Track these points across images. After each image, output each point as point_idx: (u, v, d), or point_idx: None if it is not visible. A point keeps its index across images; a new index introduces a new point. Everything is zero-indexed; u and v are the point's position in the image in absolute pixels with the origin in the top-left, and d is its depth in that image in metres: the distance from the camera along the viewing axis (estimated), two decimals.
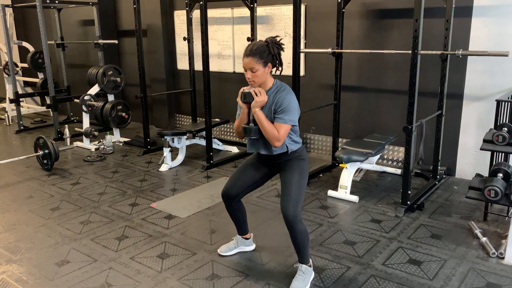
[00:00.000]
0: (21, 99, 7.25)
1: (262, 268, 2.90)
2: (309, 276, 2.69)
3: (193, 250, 3.14)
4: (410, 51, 3.52)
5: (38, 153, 5.02)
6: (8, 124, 7.57)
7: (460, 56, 3.78)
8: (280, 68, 2.59)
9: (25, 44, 7.92)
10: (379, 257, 2.99)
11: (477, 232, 3.23)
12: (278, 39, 2.54)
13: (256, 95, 2.50)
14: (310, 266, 2.70)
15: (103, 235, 3.42)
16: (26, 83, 8.66)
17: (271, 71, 2.57)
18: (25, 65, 7.91)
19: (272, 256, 3.04)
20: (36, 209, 3.95)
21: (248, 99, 2.54)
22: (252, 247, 3.12)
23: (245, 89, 2.56)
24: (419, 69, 3.52)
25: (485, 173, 3.34)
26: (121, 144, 6.14)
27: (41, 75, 7.73)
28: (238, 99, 2.60)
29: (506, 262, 2.88)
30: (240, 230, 3.04)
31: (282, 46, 2.55)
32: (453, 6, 3.94)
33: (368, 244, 3.18)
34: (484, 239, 3.12)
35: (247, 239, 3.08)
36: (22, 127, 7.08)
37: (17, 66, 7.87)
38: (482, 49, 4.10)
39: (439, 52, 3.93)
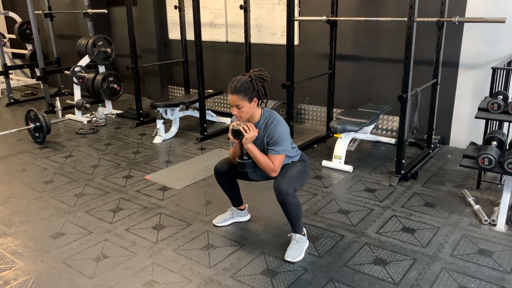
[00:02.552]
0: (10, 71, 7.10)
1: (257, 237, 2.92)
2: (303, 244, 2.71)
3: (188, 221, 3.15)
4: (406, 19, 3.45)
5: (30, 126, 4.96)
6: None
7: (457, 23, 3.72)
8: (265, 101, 2.61)
9: (11, 14, 7.70)
10: (373, 226, 3.02)
11: (470, 200, 3.25)
12: (261, 73, 2.56)
13: (246, 132, 2.53)
14: (304, 235, 2.73)
15: (97, 207, 3.42)
16: (15, 55, 8.48)
17: (259, 104, 2.60)
18: (13, 36, 7.73)
19: (267, 226, 3.06)
20: (29, 182, 3.93)
21: (238, 136, 2.57)
22: (247, 217, 3.14)
23: (234, 124, 2.58)
24: (415, 37, 3.47)
25: (480, 142, 3.34)
26: (113, 116, 6.08)
27: (29, 47, 7.56)
28: (230, 135, 2.63)
29: (498, 229, 2.91)
30: (234, 202, 3.05)
31: (267, 79, 2.57)
32: None
33: (362, 213, 3.20)
34: (476, 206, 3.15)
35: (242, 210, 3.09)
36: (12, 100, 6.97)
37: (4, 37, 7.70)
38: (479, 16, 4.03)
39: (435, 19, 3.87)
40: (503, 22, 3.43)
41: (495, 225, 2.94)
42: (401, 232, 2.93)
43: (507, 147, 3.00)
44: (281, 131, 2.56)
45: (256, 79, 2.52)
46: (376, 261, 2.63)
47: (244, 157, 2.66)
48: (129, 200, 3.52)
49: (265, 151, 2.60)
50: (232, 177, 2.89)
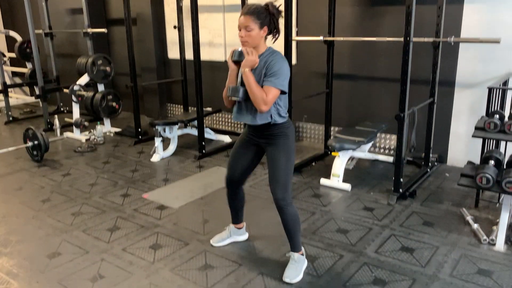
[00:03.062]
0: (9, 90, 7.14)
1: (255, 257, 2.90)
2: (302, 264, 2.69)
3: (186, 241, 3.13)
4: (402, 39, 3.50)
5: (28, 144, 4.96)
6: None
7: (452, 43, 3.77)
8: (276, 35, 2.52)
9: (12, 33, 7.77)
10: (372, 245, 3.00)
11: (469, 219, 3.25)
12: (277, 5, 2.48)
13: (248, 54, 2.44)
14: (302, 254, 2.70)
15: (94, 226, 3.39)
16: (15, 73, 8.53)
17: (266, 37, 2.51)
18: (13, 55, 7.78)
19: (265, 246, 3.03)
20: (26, 200, 3.91)
21: (239, 57, 2.46)
22: (245, 236, 3.12)
23: (237, 48, 2.49)
24: (411, 56, 3.51)
25: (477, 160, 3.34)
26: (112, 135, 6.08)
27: (29, 65, 7.61)
28: (228, 58, 2.53)
29: (497, 249, 2.90)
30: (235, 219, 3.02)
31: (281, 12, 2.50)
32: None
33: (360, 232, 3.19)
34: (475, 225, 3.14)
35: (240, 228, 3.07)
36: (11, 118, 6.98)
37: (4, 56, 7.75)
38: (474, 36, 4.09)
39: (431, 39, 3.92)
40: (498, 42, 3.47)
41: (494, 244, 2.93)
42: (400, 252, 2.92)
43: (505, 167, 3.01)
44: (282, 66, 2.43)
45: (272, 8, 2.45)
46: (375, 281, 2.61)
47: (238, 85, 2.53)
48: (127, 219, 3.50)
49: (261, 85, 2.44)
50: (242, 187, 2.87)
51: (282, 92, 2.47)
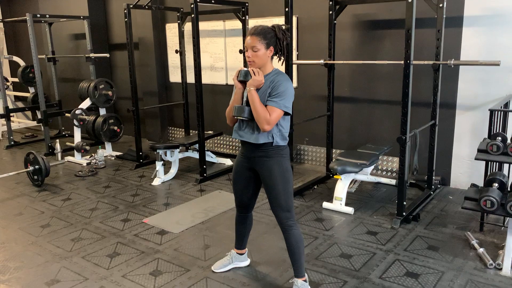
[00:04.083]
0: (11, 114, 7.17)
1: (257, 284, 2.84)
2: None
3: (187, 267, 3.08)
4: (402, 62, 3.52)
5: (29, 169, 4.94)
6: None
7: (452, 66, 3.79)
8: (282, 57, 2.56)
9: (15, 58, 7.87)
10: (376, 270, 2.95)
11: (474, 243, 3.19)
12: (284, 27, 2.53)
13: (254, 74, 2.47)
14: (305, 280, 2.65)
15: (94, 252, 3.34)
16: (17, 98, 8.59)
17: (272, 58, 2.54)
18: (16, 79, 7.86)
19: (267, 272, 2.98)
20: (25, 226, 3.87)
21: (245, 77, 2.49)
22: (247, 262, 3.06)
23: (243, 68, 2.53)
24: (412, 79, 3.52)
25: (480, 183, 3.32)
26: (113, 158, 6.07)
27: (32, 90, 7.67)
28: (234, 78, 2.55)
29: (504, 273, 2.84)
30: (240, 244, 2.98)
31: (288, 35, 2.53)
32: (444, 16, 3.95)
33: (364, 257, 3.13)
34: (481, 250, 3.08)
35: (241, 254, 3.02)
36: (12, 142, 6.99)
37: (7, 80, 7.82)
38: (473, 58, 4.11)
39: (431, 62, 3.94)
40: (498, 65, 3.48)
41: (501, 269, 2.87)
42: (405, 277, 2.86)
43: (509, 189, 2.98)
44: (287, 87, 2.46)
45: (279, 30, 2.49)
46: None
47: (243, 105, 2.55)
48: (127, 245, 3.45)
49: (265, 105, 2.46)
50: (252, 212, 2.86)
51: (286, 113, 2.49)
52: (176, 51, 6.01)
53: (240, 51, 5.17)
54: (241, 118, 2.52)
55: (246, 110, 2.49)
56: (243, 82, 2.53)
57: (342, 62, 4.70)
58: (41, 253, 3.35)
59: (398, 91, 3.66)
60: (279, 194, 2.52)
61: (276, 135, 2.51)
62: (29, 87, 7.73)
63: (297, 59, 5.24)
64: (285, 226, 2.55)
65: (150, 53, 6.65)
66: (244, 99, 2.54)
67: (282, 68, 4.21)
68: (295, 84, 5.18)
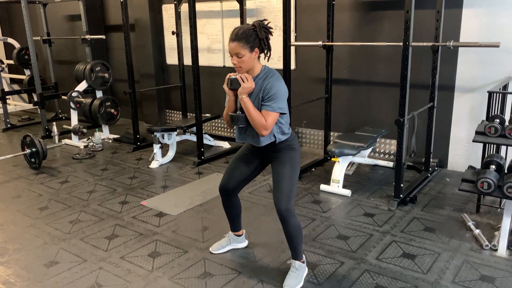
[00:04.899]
0: (7, 97, 7.11)
1: (255, 265, 2.86)
2: (303, 272, 2.65)
3: (185, 248, 3.10)
4: (401, 43, 3.49)
5: (26, 152, 4.93)
6: None
7: (451, 48, 3.76)
8: (268, 54, 2.49)
9: (10, 40, 7.76)
10: (373, 252, 2.97)
11: (470, 224, 3.22)
12: (266, 22, 2.44)
13: (243, 81, 2.42)
14: (303, 262, 2.67)
15: (92, 234, 3.36)
16: (13, 80, 8.51)
17: (259, 57, 2.48)
18: (11, 61, 7.77)
19: (265, 253, 3.00)
20: (24, 208, 3.87)
21: (234, 85, 2.46)
22: (245, 243, 3.08)
23: (232, 75, 2.47)
24: (411, 61, 3.49)
25: (477, 165, 3.33)
26: (110, 141, 6.05)
27: (27, 72, 7.59)
28: (225, 86, 2.52)
29: (499, 254, 2.87)
30: (233, 226, 2.99)
31: (271, 30, 2.46)
32: None
33: (361, 239, 3.16)
34: (477, 231, 3.11)
35: (239, 236, 3.04)
36: (9, 125, 6.96)
37: (2, 63, 7.72)
38: (473, 40, 4.08)
39: (430, 44, 3.90)
40: (497, 46, 3.46)
41: (496, 250, 2.90)
42: (401, 258, 2.88)
43: (506, 171, 2.99)
44: (279, 88, 2.41)
45: (260, 28, 2.40)
46: None
47: (238, 112, 2.54)
48: (125, 227, 3.46)
49: (259, 108, 2.44)
50: (237, 196, 2.84)
51: (282, 113, 2.47)
52: (173, 33, 5.93)
53: None
54: (238, 126, 2.54)
55: (241, 118, 2.50)
56: (234, 89, 2.50)
57: (340, 44, 4.66)
58: (40, 235, 3.36)
59: (397, 73, 3.64)
60: (283, 179, 2.50)
61: (277, 133, 2.52)
62: (24, 70, 7.65)
63: (295, 40, 5.19)
64: (284, 215, 2.47)
65: (146, 35, 6.57)
66: (238, 105, 2.52)
67: (278, 51, 4.20)
68: (293, 66, 5.15)
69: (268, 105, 2.40)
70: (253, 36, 2.38)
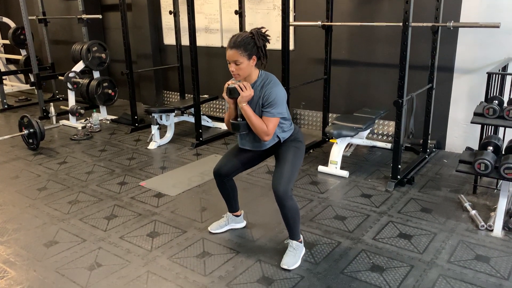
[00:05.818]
0: (4, 77, 7.06)
1: (253, 244, 2.89)
2: (300, 251, 2.69)
3: (183, 228, 3.12)
4: (401, 24, 3.45)
5: (23, 132, 4.91)
6: None
7: (451, 28, 3.73)
8: (264, 61, 2.53)
9: (5, 19, 7.65)
10: (370, 232, 3.00)
11: (467, 205, 3.24)
12: (263, 30, 2.49)
13: (242, 90, 2.46)
14: (301, 242, 2.70)
15: (91, 214, 3.38)
16: (9, 60, 8.43)
17: (257, 63, 2.53)
18: (7, 41, 7.68)
19: (263, 233, 3.03)
20: (22, 189, 3.88)
21: (233, 94, 2.50)
22: (243, 224, 3.11)
23: (230, 83, 2.51)
24: (410, 42, 3.46)
25: (475, 146, 3.34)
26: (108, 122, 6.04)
27: (23, 52, 7.52)
28: (224, 95, 2.56)
29: (495, 235, 2.90)
30: (230, 207, 3.02)
31: (268, 38, 2.50)
32: None
33: (358, 219, 3.18)
34: (473, 212, 3.14)
35: (237, 216, 3.06)
36: (6, 106, 6.92)
37: None
38: (473, 20, 4.04)
39: (430, 24, 3.87)
40: (498, 27, 3.43)
41: (492, 230, 2.93)
42: (398, 238, 2.91)
43: (503, 152, 3.00)
44: (278, 93, 2.48)
45: (258, 36, 2.44)
46: (373, 268, 2.61)
47: (238, 119, 2.58)
48: (124, 207, 3.48)
49: (260, 114, 2.52)
50: (232, 179, 2.85)
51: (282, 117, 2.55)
52: (170, 12, 5.86)
53: (236, 12, 5.05)
54: (240, 133, 2.61)
55: (242, 125, 2.55)
56: (234, 98, 2.53)
57: (340, 24, 4.61)
58: (39, 215, 3.38)
59: (396, 54, 3.61)
60: (285, 163, 2.56)
61: (280, 133, 2.60)
62: (20, 50, 7.57)
63: (294, 20, 5.13)
64: (281, 198, 2.48)
65: (143, 15, 6.48)
66: (238, 112, 2.57)
67: (277, 31, 4.15)
68: (291, 46, 5.10)
69: (268, 111, 2.48)
70: (251, 44, 2.43)
